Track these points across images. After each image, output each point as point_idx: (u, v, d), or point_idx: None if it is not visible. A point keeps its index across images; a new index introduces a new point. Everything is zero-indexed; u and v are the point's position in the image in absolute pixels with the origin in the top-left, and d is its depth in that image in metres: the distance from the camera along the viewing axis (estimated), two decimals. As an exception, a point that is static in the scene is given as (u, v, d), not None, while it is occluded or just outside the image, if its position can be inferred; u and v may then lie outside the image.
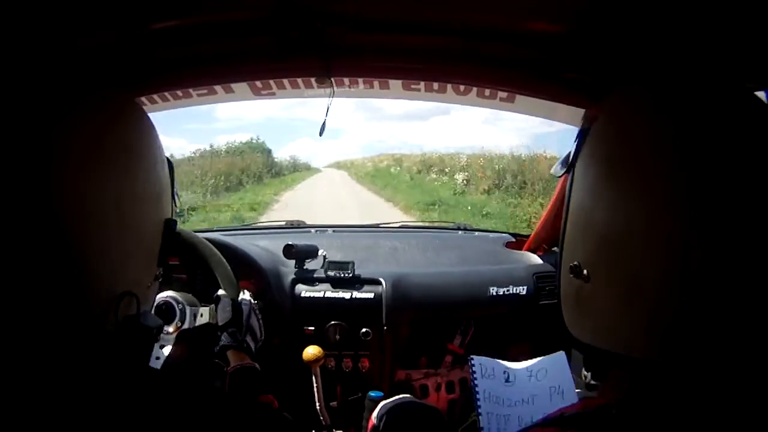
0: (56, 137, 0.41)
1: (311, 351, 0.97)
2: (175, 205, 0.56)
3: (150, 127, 0.50)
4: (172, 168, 0.55)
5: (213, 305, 0.91)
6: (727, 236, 0.35)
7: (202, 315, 0.91)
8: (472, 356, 0.79)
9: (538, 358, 0.81)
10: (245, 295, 0.93)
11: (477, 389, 0.75)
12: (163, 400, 0.48)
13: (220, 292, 0.92)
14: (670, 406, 0.38)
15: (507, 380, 0.78)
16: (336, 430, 1.08)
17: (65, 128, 0.42)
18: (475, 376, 0.76)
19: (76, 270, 0.42)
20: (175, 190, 0.56)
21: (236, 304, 0.90)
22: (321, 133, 0.97)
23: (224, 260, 0.95)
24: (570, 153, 0.49)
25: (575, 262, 0.44)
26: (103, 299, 0.45)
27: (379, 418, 0.82)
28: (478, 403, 0.74)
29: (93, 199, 0.42)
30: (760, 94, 0.63)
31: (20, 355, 0.41)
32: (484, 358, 0.80)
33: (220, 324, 0.88)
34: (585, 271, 0.43)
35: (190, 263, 1.05)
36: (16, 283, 0.39)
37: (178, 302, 0.89)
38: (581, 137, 0.47)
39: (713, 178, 0.36)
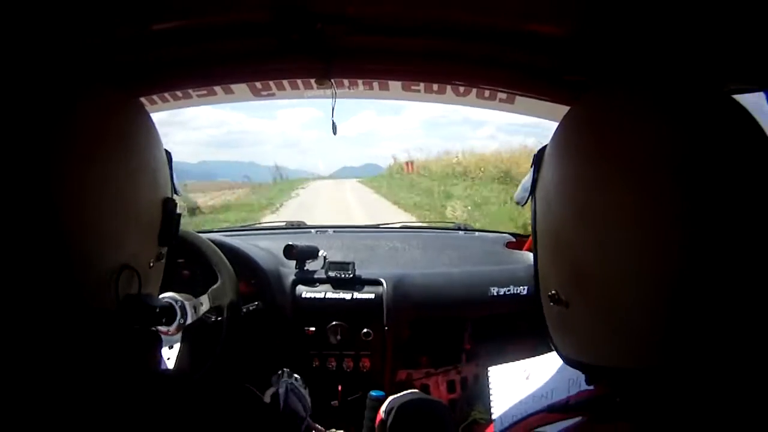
0: (51, 124, 0.42)
1: None
2: (176, 192, 0.57)
3: (143, 114, 0.51)
4: (171, 157, 0.57)
5: (210, 294, 0.92)
6: (700, 247, 0.35)
7: (202, 304, 0.92)
8: (489, 368, 0.79)
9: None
10: (284, 378, 0.85)
11: (492, 397, 0.75)
12: (160, 397, 0.48)
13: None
14: (668, 399, 0.39)
15: (527, 378, 0.78)
16: (337, 430, 1.08)
17: (58, 116, 0.43)
18: (491, 386, 0.76)
19: (70, 239, 0.42)
20: (173, 177, 0.57)
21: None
22: (335, 132, 1.00)
23: (228, 264, 0.96)
24: (529, 178, 0.49)
25: (552, 291, 0.44)
26: (101, 271, 0.45)
27: (387, 412, 0.81)
28: (492, 410, 0.74)
29: (87, 171, 0.43)
30: (760, 96, 0.63)
31: (15, 330, 0.41)
32: (501, 366, 0.80)
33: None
34: (563, 297, 0.43)
35: (192, 262, 1.05)
36: (6, 254, 0.40)
37: (176, 300, 0.90)
38: (538, 160, 0.47)
39: (678, 193, 0.36)
